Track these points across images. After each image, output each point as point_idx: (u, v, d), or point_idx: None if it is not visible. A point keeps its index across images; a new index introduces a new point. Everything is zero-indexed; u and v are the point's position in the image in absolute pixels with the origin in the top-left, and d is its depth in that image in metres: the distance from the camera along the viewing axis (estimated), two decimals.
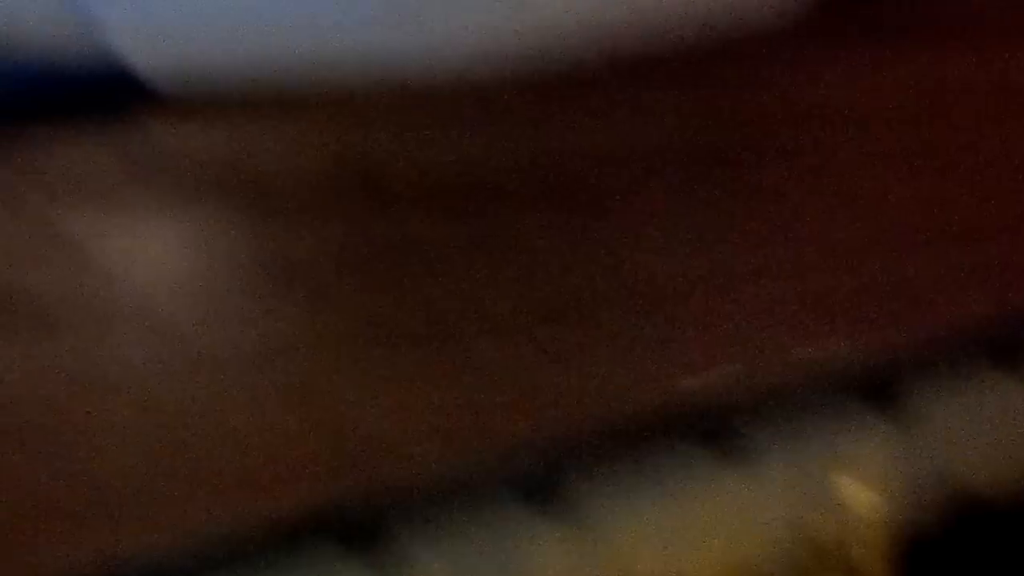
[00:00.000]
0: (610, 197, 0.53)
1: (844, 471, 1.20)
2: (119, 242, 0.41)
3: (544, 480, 1.02)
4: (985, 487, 1.27)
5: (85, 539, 0.67)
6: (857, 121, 1.15)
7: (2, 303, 0.42)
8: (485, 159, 0.46)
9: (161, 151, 0.43)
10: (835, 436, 1.21)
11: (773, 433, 1.11)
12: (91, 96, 0.42)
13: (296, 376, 0.59)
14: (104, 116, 0.43)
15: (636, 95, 0.57)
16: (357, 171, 0.43)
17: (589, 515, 0.98)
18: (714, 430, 1.11)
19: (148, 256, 0.42)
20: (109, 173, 0.43)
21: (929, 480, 1.25)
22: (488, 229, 0.50)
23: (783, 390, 1.15)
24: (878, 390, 1.26)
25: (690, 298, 0.87)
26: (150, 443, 0.57)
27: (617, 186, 0.53)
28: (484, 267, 0.52)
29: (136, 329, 0.45)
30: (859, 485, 1.20)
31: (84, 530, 0.67)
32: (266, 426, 0.69)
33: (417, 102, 0.44)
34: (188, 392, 0.48)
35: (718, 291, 0.88)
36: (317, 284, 0.58)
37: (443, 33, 0.34)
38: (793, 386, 1.17)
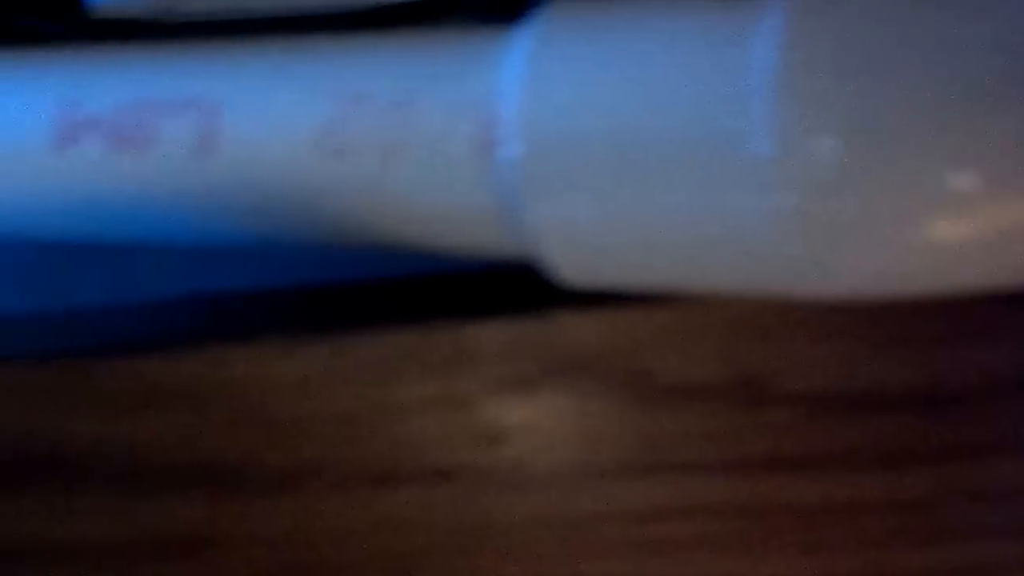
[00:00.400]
0: (971, 402, 0.54)
1: None
2: (517, 417, 0.44)
3: None
4: None
5: None
6: None
7: (408, 459, 0.45)
8: (863, 377, 0.47)
9: (564, 339, 0.46)
10: None
11: None
12: (502, 287, 0.45)
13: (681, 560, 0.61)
14: (514, 307, 0.46)
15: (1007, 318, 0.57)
16: (740, 376, 0.45)
17: None
18: None
19: (541, 431, 0.44)
20: (516, 357, 0.46)
21: None
22: (868, 440, 0.50)
23: None
24: None
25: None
26: None
27: (981, 392, 0.54)
28: (859, 480, 0.52)
29: (524, 493, 0.47)
30: None
31: None
32: None
33: (804, 318, 0.46)
34: (561, 556, 0.51)
35: None
36: (684, 467, 0.61)
37: (836, 266, 0.36)
38: None
